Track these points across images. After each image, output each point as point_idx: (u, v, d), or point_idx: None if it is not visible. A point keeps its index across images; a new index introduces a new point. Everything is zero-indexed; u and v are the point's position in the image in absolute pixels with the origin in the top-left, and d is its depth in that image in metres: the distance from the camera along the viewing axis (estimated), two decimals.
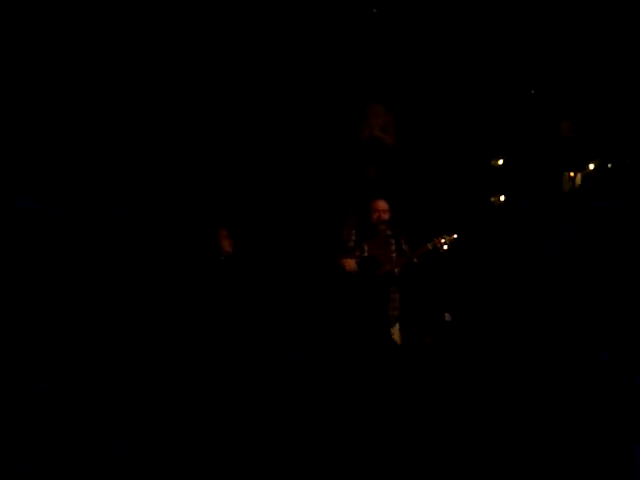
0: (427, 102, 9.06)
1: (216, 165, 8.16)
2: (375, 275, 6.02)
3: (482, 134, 9.39)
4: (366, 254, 6.09)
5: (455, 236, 5.93)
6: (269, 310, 6.78)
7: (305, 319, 6.70)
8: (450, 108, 9.13)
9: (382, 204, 6.18)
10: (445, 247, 5.87)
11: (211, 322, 6.31)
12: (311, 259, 6.90)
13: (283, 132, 8.50)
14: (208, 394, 5.69)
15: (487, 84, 9.27)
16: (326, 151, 8.55)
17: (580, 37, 8.93)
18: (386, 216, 6.13)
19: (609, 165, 9.49)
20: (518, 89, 9.51)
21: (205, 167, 8.06)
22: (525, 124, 9.59)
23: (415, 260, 5.97)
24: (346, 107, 8.70)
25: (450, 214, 8.65)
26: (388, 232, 6.13)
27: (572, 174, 10.09)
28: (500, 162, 9.89)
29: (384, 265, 6.01)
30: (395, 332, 6.12)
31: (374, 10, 8.51)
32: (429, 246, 5.94)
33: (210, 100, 8.17)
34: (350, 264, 6.06)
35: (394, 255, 6.06)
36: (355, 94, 8.74)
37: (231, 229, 6.65)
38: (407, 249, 6.10)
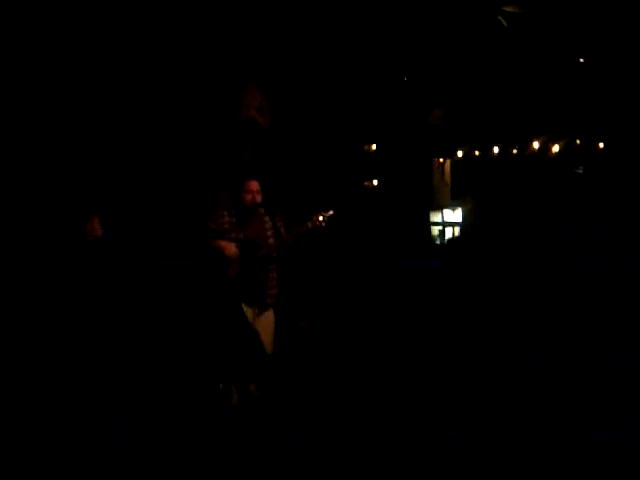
0: (303, 85, 9.12)
1: (88, 148, 8.00)
2: (256, 257, 5.98)
3: (356, 120, 9.55)
4: (242, 236, 6.04)
5: (331, 212, 5.99)
6: (143, 296, 6.71)
7: (180, 304, 6.66)
8: (325, 92, 9.23)
9: (255, 184, 6.13)
10: (323, 224, 5.93)
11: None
12: (184, 242, 6.84)
13: (158, 112, 8.37)
14: None
15: (361, 70, 9.41)
16: (201, 132, 8.48)
17: (452, 25, 9.16)
18: (259, 197, 6.10)
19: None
20: (391, 76, 9.71)
21: (76, 150, 7.91)
22: (397, 111, 9.81)
23: (289, 243, 6.00)
24: (222, 88, 8.64)
25: (323, 196, 8.78)
26: (262, 212, 6.12)
27: (441, 160, 10.43)
28: (373, 147, 10.11)
29: (264, 247, 5.99)
30: (269, 315, 6.14)
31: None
32: (309, 224, 5.97)
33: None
34: (230, 248, 5.97)
35: (270, 235, 6.05)
36: (231, 75, 8.69)
37: (103, 214, 6.62)
38: (282, 228, 6.11)
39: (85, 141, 8.09)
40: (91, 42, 7.97)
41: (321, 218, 5.91)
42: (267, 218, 6.08)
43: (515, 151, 9.91)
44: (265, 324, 6.04)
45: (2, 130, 7.71)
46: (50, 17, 7.68)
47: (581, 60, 9.57)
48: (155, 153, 8.28)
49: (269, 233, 6.03)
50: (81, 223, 6.57)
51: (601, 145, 9.85)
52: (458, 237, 9.86)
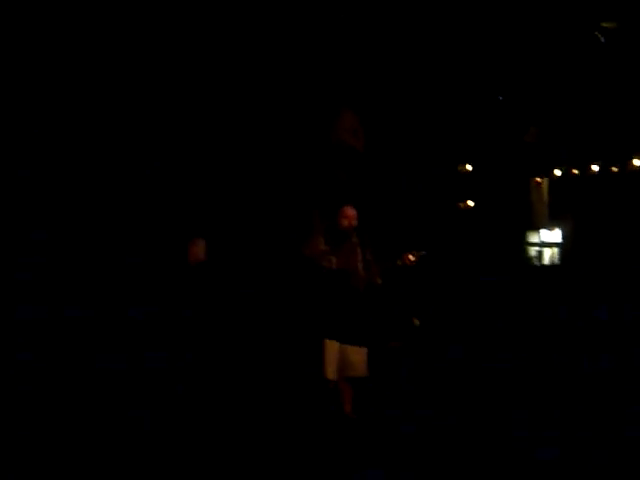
0: (396, 107, 9.11)
1: (190, 171, 8.14)
2: (345, 288, 6.02)
3: (450, 140, 9.48)
4: (333, 264, 6.08)
5: (424, 252, 5.97)
6: (239, 318, 6.81)
7: (275, 329, 6.75)
8: (419, 114, 9.20)
9: (352, 211, 6.19)
10: (414, 263, 5.92)
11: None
12: (282, 267, 6.93)
13: (253, 137, 8.50)
14: None
15: (455, 90, 9.34)
16: (295, 155, 8.57)
17: (548, 42, 9.00)
18: (355, 223, 6.14)
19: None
20: (486, 95, 9.60)
21: (179, 173, 8.03)
22: (492, 130, 9.69)
23: (377, 278, 6.02)
24: (316, 111, 8.72)
25: (418, 221, 8.74)
26: (355, 240, 6.15)
27: (539, 180, 10.23)
28: (468, 168, 10.01)
29: (353, 278, 6.01)
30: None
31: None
32: (398, 262, 5.98)
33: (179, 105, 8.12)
34: None
35: (360, 265, 6.08)
36: (325, 98, 8.76)
37: (206, 237, 6.62)
38: (371, 259, 6.12)
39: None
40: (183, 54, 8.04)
41: (412, 257, 5.89)
42: (359, 249, 6.11)
43: (615, 169, 9.64)
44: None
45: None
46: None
47: None
48: (253, 175, 8.40)
49: (360, 265, 6.06)
50: (182, 245, 6.45)
51: None
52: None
